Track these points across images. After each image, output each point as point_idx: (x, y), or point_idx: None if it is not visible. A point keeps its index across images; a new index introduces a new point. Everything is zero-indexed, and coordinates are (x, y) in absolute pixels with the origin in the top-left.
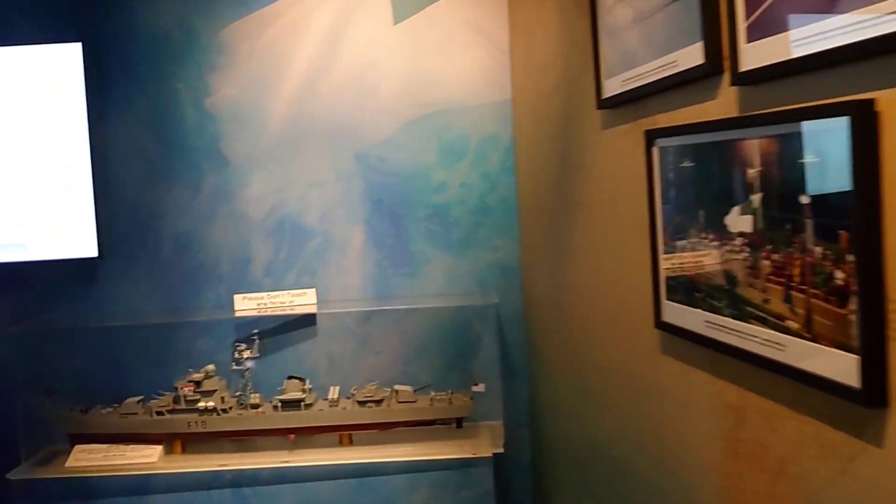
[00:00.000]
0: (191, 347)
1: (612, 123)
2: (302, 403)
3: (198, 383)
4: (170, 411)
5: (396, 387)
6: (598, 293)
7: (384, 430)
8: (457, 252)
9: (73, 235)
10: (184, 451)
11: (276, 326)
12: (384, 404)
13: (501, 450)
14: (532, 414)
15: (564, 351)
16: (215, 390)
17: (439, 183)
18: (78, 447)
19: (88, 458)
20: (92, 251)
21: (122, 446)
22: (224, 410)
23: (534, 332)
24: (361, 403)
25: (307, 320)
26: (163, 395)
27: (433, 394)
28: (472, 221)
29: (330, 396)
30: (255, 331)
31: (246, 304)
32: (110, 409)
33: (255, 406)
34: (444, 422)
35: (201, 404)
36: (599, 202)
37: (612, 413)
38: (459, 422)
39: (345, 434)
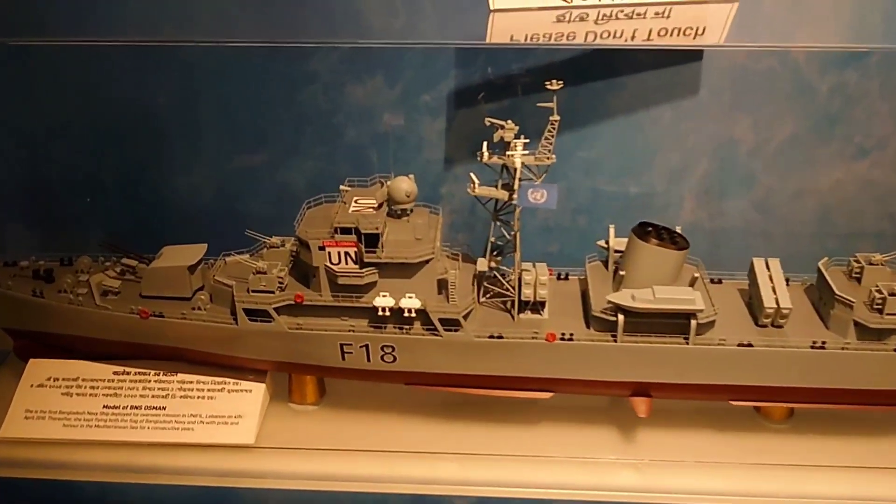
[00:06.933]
0: (341, 113)
1: None
2: (693, 320)
3: (371, 238)
4: (290, 308)
5: None
6: None
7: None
8: None
9: None
10: (320, 399)
11: (597, 61)
12: None
13: None
14: None
15: None
16: (426, 260)
17: None
18: (33, 364)
19: (62, 415)
20: None
21: (156, 373)
22: (449, 323)
23: None
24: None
25: (688, 54)
26: (267, 246)
27: None
28: None
29: (768, 302)
30: (554, 84)
31: None
32: (124, 276)
33: (534, 307)
34: None
35: (381, 301)
36: None
37: None
38: None
39: (778, 407)
